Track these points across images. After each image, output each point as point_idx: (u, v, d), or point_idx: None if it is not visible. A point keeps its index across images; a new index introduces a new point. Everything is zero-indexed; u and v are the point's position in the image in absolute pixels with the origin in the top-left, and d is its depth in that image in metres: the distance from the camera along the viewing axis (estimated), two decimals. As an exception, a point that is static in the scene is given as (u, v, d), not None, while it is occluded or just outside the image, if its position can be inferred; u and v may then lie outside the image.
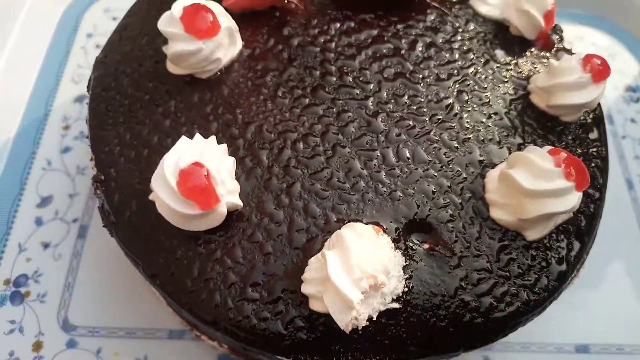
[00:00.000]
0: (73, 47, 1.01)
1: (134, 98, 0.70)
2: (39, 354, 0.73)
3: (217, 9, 0.69)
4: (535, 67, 0.78)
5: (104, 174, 0.65)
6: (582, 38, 1.20)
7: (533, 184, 0.59)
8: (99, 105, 0.70)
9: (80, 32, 1.03)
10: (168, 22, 0.67)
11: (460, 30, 0.80)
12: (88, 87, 0.74)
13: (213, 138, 0.62)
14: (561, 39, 0.84)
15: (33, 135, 0.90)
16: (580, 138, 0.74)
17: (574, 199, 0.60)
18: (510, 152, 0.70)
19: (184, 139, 0.60)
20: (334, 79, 0.72)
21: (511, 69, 0.77)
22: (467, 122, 0.71)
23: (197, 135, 0.61)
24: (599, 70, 0.70)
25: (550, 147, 0.64)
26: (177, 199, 0.56)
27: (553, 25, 0.82)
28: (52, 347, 0.74)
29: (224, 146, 0.62)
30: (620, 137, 1.06)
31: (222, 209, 0.58)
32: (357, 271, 0.53)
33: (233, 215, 0.61)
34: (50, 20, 1.03)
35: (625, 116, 1.09)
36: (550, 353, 0.80)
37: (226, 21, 0.69)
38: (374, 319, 0.56)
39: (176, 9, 0.67)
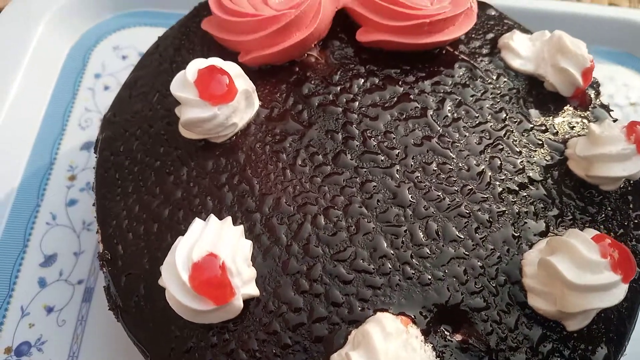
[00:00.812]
0: (80, 88, 0.97)
1: (144, 164, 0.66)
2: None
3: (234, 70, 0.64)
4: (573, 129, 0.73)
5: (110, 252, 0.60)
6: (612, 78, 1.15)
7: (578, 277, 0.54)
8: (107, 171, 0.66)
9: (88, 72, 0.99)
10: (181, 86, 0.62)
11: (491, 86, 0.75)
12: (95, 148, 0.70)
13: (229, 220, 0.57)
14: (598, 94, 0.79)
15: (37, 186, 0.86)
16: (620, 210, 0.68)
17: (621, 293, 0.55)
18: (547, 227, 0.64)
19: (197, 222, 0.55)
20: (357, 143, 0.67)
21: (546, 131, 0.72)
22: (501, 192, 0.66)
23: (212, 218, 0.56)
24: (645, 138, 0.65)
25: (594, 232, 0.58)
26: (189, 294, 0.51)
27: (591, 81, 0.77)
28: (54, 422, 0.70)
29: (241, 229, 0.57)
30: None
31: (238, 303, 0.53)
32: (385, 376, 0.48)
33: (249, 303, 0.56)
34: (56, 60, 0.98)
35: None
36: None
37: (243, 83, 0.65)
38: None
39: (190, 72, 0.62)
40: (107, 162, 0.67)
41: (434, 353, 0.55)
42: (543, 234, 0.64)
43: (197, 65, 0.63)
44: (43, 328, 0.75)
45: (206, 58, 0.65)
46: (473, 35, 0.81)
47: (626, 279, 0.55)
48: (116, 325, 0.73)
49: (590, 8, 1.19)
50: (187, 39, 0.77)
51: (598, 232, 0.59)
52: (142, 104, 0.71)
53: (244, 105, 0.66)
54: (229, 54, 0.72)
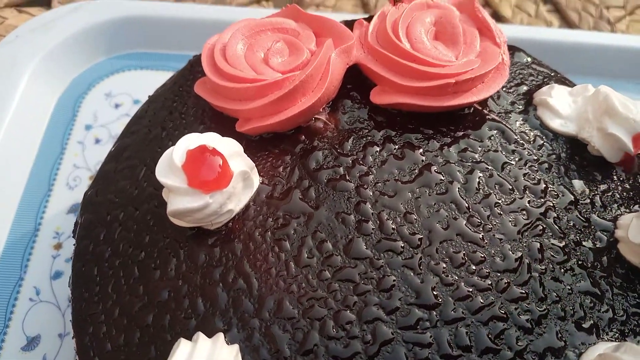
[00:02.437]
0: (69, 142, 0.89)
1: (127, 257, 0.57)
2: None
3: (229, 148, 0.56)
4: (623, 204, 0.63)
5: (86, 366, 0.52)
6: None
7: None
8: (85, 265, 0.57)
9: (78, 123, 0.91)
10: (168, 171, 0.54)
11: (526, 152, 0.65)
12: (74, 232, 0.61)
13: (221, 338, 0.48)
14: (649, 156, 0.69)
15: (21, 257, 0.79)
16: (685, 303, 0.58)
17: None
18: (597, 328, 0.55)
19: (182, 347, 0.46)
20: (373, 228, 0.58)
21: (593, 206, 0.62)
22: (542, 287, 0.56)
23: (201, 338, 0.47)
24: None
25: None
26: None
27: (642, 145, 0.66)
28: None
29: (236, 348, 0.48)
30: None
31: None
32: None
33: None
34: (43, 111, 0.91)
35: None
36: None
37: (240, 163, 0.56)
38: None
39: (178, 154, 0.53)
40: (85, 253, 0.58)
41: None
42: (592, 336, 0.54)
43: (186, 144, 0.54)
44: None
45: (200, 124, 0.58)
46: (504, 89, 0.71)
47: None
48: None
49: (628, 39, 1.09)
50: (179, 101, 0.68)
51: (666, 352, 0.49)
52: (128, 181, 0.62)
53: (240, 188, 0.57)
54: (226, 120, 0.64)
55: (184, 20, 0.95)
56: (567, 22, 1.21)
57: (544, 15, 1.21)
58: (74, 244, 0.60)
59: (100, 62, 0.97)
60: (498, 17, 1.19)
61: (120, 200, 0.61)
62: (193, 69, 0.71)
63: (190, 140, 0.55)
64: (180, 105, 0.68)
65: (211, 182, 0.53)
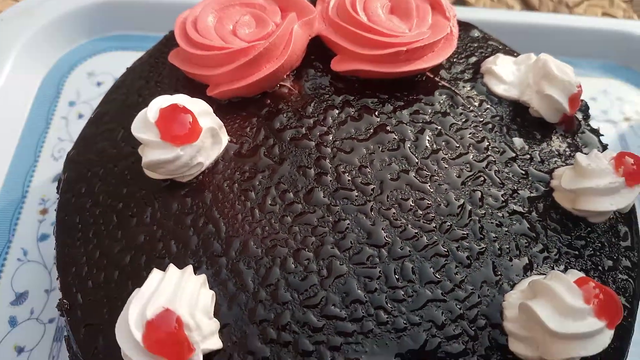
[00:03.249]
0: (54, 117, 0.94)
1: (106, 207, 0.63)
2: None
3: (199, 107, 0.62)
4: (560, 157, 0.70)
5: (69, 300, 0.58)
6: (606, 92, 1.12)
7: (560, 325, 0.51)
8: (68, 215, 0.63)
9: (62, 100, 0.97)
10: (142, 127, 0.59)
11: (472, 114, 0.72)
12: (58, 188, 0.67)
13: (189, 269, 0.54)
14: (587, 118, 0.76)
15: (9, 221, 0.84)
16: (610, 242, 0.65)
17: (606, 339, 0.52)
18: (531, 264, 0.61)
19: (155, 274, 0.52)
20: (330, 179, 0.64)
21: (531, 160, 0.69)
22: (481, 228, 0.63)
23: (171, 268, 0.53)
24: (632, 171, 0.61)
25: (578, 275, 0.55)
26: (143, 354, 0.48)
27: (579, 106, 0.73)
28: None
29: (203, 278, 0.54)
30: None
31: (198, 358, 0.50)
32: None
33: (212, 356, 0.53)
34: (29, 89, 0.96)
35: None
36: None
37: (209, 121, 0.62)
38: None
39: (151, 112, 0.59)
40: (68, 205, 0.64)
41: (409, 408, 0.52)
42: (526, 272, 0.61)
43: (158, 104, 0.60)
44: (13, 372, 0.73)
45: (174, 91, 0.63)
46: (455, 60, 0.78)
47: (611, 324, 0.52)
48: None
49: (582, 20, 1.17)
50: (155, 71, 0.74)
51: (582, 275, 0.55)
52: (107, 142, 0.68)
53: (210, 144, 0.63)
54: (198, 86, 0.70)
55: (160, 3, 1.01)
56: (528, 6, 1.28)
57: (506, 1, 1.28)
58: (57, 198, 0.65)
59: (82, 44, 1.03)
60: (462, 2, 1.27)
61: (100, 159, 0.67)
62: (168, 43, 0.77)
63: (163, 100, 0.61)
64: (155, 75, 0.74)
65: (182, 136, 0.59)
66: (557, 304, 0.52)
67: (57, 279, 0.61)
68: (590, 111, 1.05)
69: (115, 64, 1.00)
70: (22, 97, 0.95)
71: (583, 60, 1.14)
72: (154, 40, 0.84)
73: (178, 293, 0.51)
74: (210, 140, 0.63)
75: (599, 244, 0.65)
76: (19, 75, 0.95)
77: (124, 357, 0.50)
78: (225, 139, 0.66)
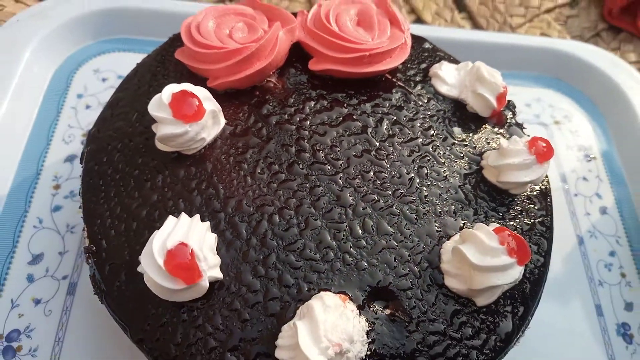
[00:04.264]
0: (64, 107, 1.07)
1: (125, 173, 0.77)
2: (29, 409, 0.78)
3: (202, 93, 0.77)
4: (489, 144, 0.88)
5: (95, 246, 0.71)
6: (539, 100, 1.31)
7: (480, 260, 0.68)
8: (92, 179, 0.77)
9: (71, 93, 1.10)
10: (157, 107, 0.74)
11: (422, 108, 0.89)
12: (81, 159, 0.80)
13: (197, 217, 0.69)
14: (514, 115, 0.94)
15: (25, 194, 0.96)
16: (527, 210, 0.82)
17: (517, 273, 0.69)
18: (464, 224, 0.78)
19: (171, 218, 0.67)
20: (308, 155, 0.80)
21: (467, 145, 0.86)
22: (426, 195, 0.79)
23: (183, 215, 0.68)
24: (543, 152, 0.79)
25: (497, 225, 0.72)
26: (163, 275, 0.62)
27: (505, 104, 0.91)
28: (41, 402, 0.79)
29: (207, 224, 0.69)
30: (572, 194, 1.16)
31: (205, 283, 0.65)
32: (324, 340, 0.60)
33: (214, 285, 0.68)
34: (41, 82, 1.09)
35: (578, 175, 1.19)
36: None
37: (210, 105, 0.77)
38: (339, 382, 0.63)
39: (165, 95, 0.74)
40: (92, 171, 0.78)
41: (367, 323, 0.67)
42: (460, 229, 0.77)
43: (171, 89, 0.75)
44: (31, 318, 0.85)
45: (179, 83, 0.77)
46: (409, 65, 0.95)
47: (521, 261, 0.69)
48: (97, 314, 0.84)
49: (521, 38, 1.36)
50: (162, 66, 0.89)
51: (499, 225, 0.72)
52: (123, 122, 0.82)
53: (211, 123, 0.78)
54: (199, 80, 0.84)
55: (160, 11, 1.16)
56: (477, 27, 1.48)
57: (458, 21, 1.48)
58: (82, 166, 0.79)
59: (89, 44, 1.16)
60: (421, 22, 1.46)
61: (118, 135, 0.81)
62: (173, 44, 0.92)
63: (174, 87, 0.76)
64: (162, 70, 0.89)
65: (190, 115, 0.74)
66: (479, 245, 0.69)
67: (83, 230, 0.74)
68: (525, 115, 1.25)
69: (118, 63, 1.15)
70: (35, 89, 1.07)
71: (522, 72, 1.34)
72: (153, 44, 0.98)
73: (190, 233, 0.65)
74: (211, 120, 0.78)
75: (519, 210, 0.82)
76: (33, 70, 1.08)
77: (147, 281, 0.64)
78: (222, 121, 0.81)
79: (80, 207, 0.76)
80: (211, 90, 0.81)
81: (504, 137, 0.89)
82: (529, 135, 0.91)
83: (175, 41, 0.92)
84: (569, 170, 1.19)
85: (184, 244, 0.63)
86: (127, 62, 1.09)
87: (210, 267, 0.66)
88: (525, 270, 0.76)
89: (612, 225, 1.12)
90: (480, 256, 0.68)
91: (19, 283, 0.88)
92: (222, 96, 0.84)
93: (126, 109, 0.84)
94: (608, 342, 0.98)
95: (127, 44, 1.18)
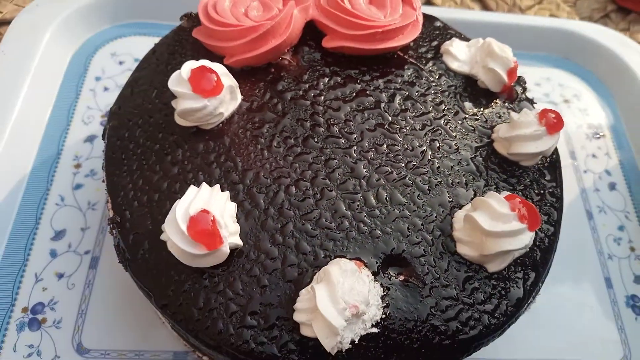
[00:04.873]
0: (82, 89, 1.10)
1: (146, 147, 0.79)
2: (56, 376, 0.82)
3: (220, 69, 0.79)
4: (500, 118, 0.89)
5: (119, 216, 0.74)
6: (549, 79, 1.32)
7: (492, 225, 0.70)
8: (115, 153, 0.79)
9: (89, 75, 1.12)
10: (177, 82, 0.76)
11: (433, 84, 0.91)
12: (103, 135, 0.83)
13: (217, 187, 0.71)
14: (524, 90, 0.95)
15: (47, 173, 0.99)
16: (537, 181, 0.84)
17: (527, 238, 0.71)
18: (475, 194, 0.80)
19: (192, 188, 0.69)
20: (322, 129, 0.82)
21: (478, 119, 0.88)
22: (438, 167, 0.81)
23: (204, 185, 0.70)
24: (553, 123, 0.81)
25: (508, 193, 0.74)
26: (186, 241, 0.65)
27: (516, 79, 0.93)
28: (68, 369, 0.82)
29: (227, 194, 0.71)
30: (582, 171, 1.18)
31: (225, 249, 0.67)
32: (342, 302, 0.62)
33: (234, 252, 0.70)
34: (60, 65, 1.12)
35: (587, 152, 1.21)
36: (514, 370, 0.90)
37: (228, 80, 0.79)
38: (356, 342, 0.65)
39: (184, 71, 0.76)
40: (114, 146, 0.80)
41: (382, 289, 0.70)
42: (471, 199, 0.79)
43: (190, 65, 0.77)
44: (55, 291, 0.88)
45: (197, 60, 0.80)
46: (420, 43, 0.97)
47: (531, 227, 0.71)
48: (118, 287, 0.87)
49: (531, 19, 1.37)
50: (180, 45, 0.91)
51: (511, 193, 0.74)
52: (143, 99, 0.85)
53: (229, 98, 0.80)
54: (216, 58, 0.86)
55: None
56: (486, 9, 1.49)
57: (467, 3, 1.49)
58: (104, 142, 0.82)
59: (106, 29, 1.19)
60: (430, 4, 1.47)
61: (138, 111, 0.83)
62: (189, 24, 0.94)
63: (193, 63, 0.78)
64: (180, 49, 0.91)
65: (209, 90, 0.76)
66: (491, 212, 0.71)
67: (107, 202, 0.77)
68: (535, 94, 1.26)
69: (135, 46, 1.17)
70: (55, 72, 1.10)
71: (531, 52, 1.35)
72: (167, 27, 1.00)
73: (211, 201, 0.68)
74: (229, 96, 0.80)
75: (529, 181, 0.84)
76: (52, 53, 1.10)
77: (170, 248, 0.67)
78: (239, 97, 0.83)
79: (103, 181, 0.79)
80: (228, 68, 0.83)
81: (515, 111, 0.90)
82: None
83: (192, 21, 0.94)
84: (579, 147, 1.20)
85: (206, 211, 0.66)
86: (143, 45, 1.12)
87: (231, 234, 0.68)
88: (535, 239, 0.77)
89: (622, 200, 1.13)
90: (492, 222, 0.70)
91: (42, 258, 0.91)
92: (238, 73, 0.86)
93: (145, 87, 0.86)
94: (617, 314, 0.99)
95: (144, 27, 1.20)
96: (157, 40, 0.96)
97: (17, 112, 1.01)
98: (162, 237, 0.70)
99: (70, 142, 1.03)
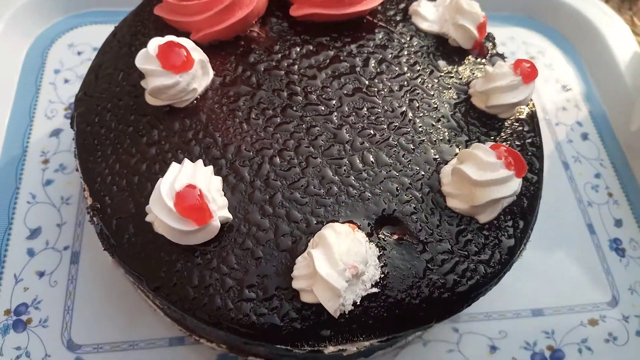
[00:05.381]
0: (42, 84, 1.05)
1: (119, 131, 0.76)
2: (48, 376, 0.78)
3: (188, 44, 0.76)
4: (474, 73, 0.89)
5: (99, 203, 0.71)
6: (513, 38, 1.34)
7: (480, 175, 0.70)
8: (86, 139, 0.76)
9: (47, 68, 1.08)
10: (145, 60, 0.73)
11: (406, 45, 0.90)
12: (72, 124, 0.79)
13: (200, 161, 0.69)
14: (494, 46, 0.96)
15: (14, 172, 0.94)
16: (517, 131, 0.85)
17: (515, 185, 0.71)
18: (459, 149, 0.80)
19: (174, 165, 0.67)
20: (300, 98, 0.81)
21: (453, 77, 0.88)
22: (420, 126, 0.81)
23: (186, 161, 0.68)
24: (528, 72, 0.81)
25: (492, 143, 0.74)
26: (175, 218, 0.62)
27: (486, 34, 0.93)
28: (59, 367, 0.79)
29: (210, 168, 0.69)
30: (554, 124, 1.20)
31: (216, 223, 0.65)
32: (341, 264, 0.62)
33: (224, 227, 0.68)
34: (15, 61, 1.06)
35: (557, 106, 1.23)
36: (510, 319, 0.92)
37: (198, 55, 0.77)
38: (358, 303, 0.65)
39: (151, 47, 0.73)
40: (84, 132, 0.77)
41: (377, 249, 0.69)
42: (456, 155, 0.79)
43: (157, 41, 0.74)
44: (37, 290, 0.84)
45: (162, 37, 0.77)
46: (388, 6, 0.96)
47: (518, 174, 0.71)
48: (103, 279, 0.84)
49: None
50: (142, 25, 0.87)
51: (495, 143, 0.74)
52: (109, 83, 0.81)
53: (200, 73, 0.78)
54: (181, 34, 0.83)
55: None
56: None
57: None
58: (74, 130, 0.78)
59: (60, 20, 1.14)
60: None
61: (106, 95, 0.80)
62: (150, 3, 0.90)
63: (159, 39, 0.75)
64: (142, 28, 0.87)
65: (179, 65, 0.73)
66: (478, 162, 0.71)
67: (84, 190, 0.74)
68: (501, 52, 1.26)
69: (92, 36, 1.13)
70: (10, 69, 1.05)
71: (493, 13, 1.36)
72: (124, 14, 0.97)
73: (195, 175, 0.65)
74: (201, 71, 0.78)
75: (509, 133, 0.84)
76: (5, 49, 1.05)
77: (158, 227, 0.65)
78: (211, 72, 0.80)
79: (77, 170, 0.75)
80: (196, 43, 0.80)
81: (487, 65, 0.91)
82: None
83: (151, 2, 0.90)
84: (549, 102, 1.22)
85: (192, 186, 0.63)
86: (100, 34, 1.05)
87: (220, 208, 0.66)
88: (521, 189, 0.78)
89: (595, 149, 1.16)
90: (480, 172, 0.70)
91: (20, 258, 0.87)
92: (207, 48, 0.83)
93: (110, 71, 0.83)
94: (603, 257, 1.02)
95: (99, 16, 1.16)
96: (113, 27, 0.92)
97: (-26, 112, 0.96)
98: (147, 218, 0.67)
99: (35, 138, 0.99)
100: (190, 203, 0.62)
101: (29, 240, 0.88)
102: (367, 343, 0.68)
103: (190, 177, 0.65)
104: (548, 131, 1.17)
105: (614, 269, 1.01)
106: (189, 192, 0.63)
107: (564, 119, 1.20)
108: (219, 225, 0.66)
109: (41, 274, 0.86)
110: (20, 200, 0.92)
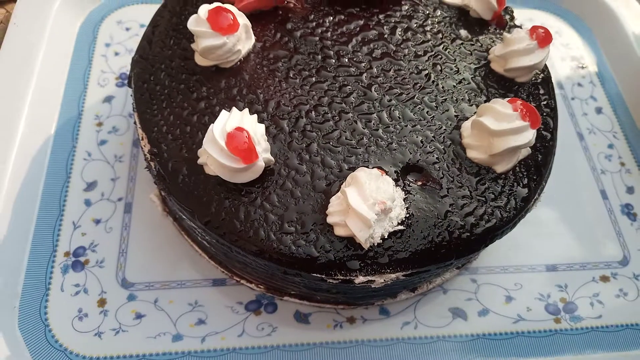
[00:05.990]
0: (94, 56, 1.15)
1: (171, 88, 0.85)
2: (104, 308, 0.87)
3: (234, 10, 0.85)
4: (493, 42, 0.96)
5: (157, 149, 0.79)
6: (532, 19, 1.40)
7: (498, 125, 0.77)
8: (143, 95, 0.85)
9: (99, 43, 1.17)
10: (196, 23, 0.82)
11: (430, 16, 0.98)
12: (129, 83, 0.88)
13: (246, 110, 0.77)
14: (512, 18, 1.02)
15: (71, 133, 1.04)
16: (533, 94, 0.92)
17: (530, 135, 0.78)
18: (478, 107, 0.87)
19: (224, 112, 0.75)
20: (333, 60, 0.89)
21: (473, 44, 0.95)
22: (442, 87, 0.88)
23: (234, 109, 0.76)
24: (543, 37, 0.88)
25: (509, 98, 0.81)
26: (226, 156, 0.71)
27: (505, 6, 1.00)
28: (115, 301, 0.88)
29: (255, 116, 0.78)
30: (570, 99, 1.26)
31: (261, 163, 0.73)
32: (371, 199, 0.69)
33: (267, 170, 0.77)
34: (70, 35, 1.16)
35: (573, 82, 1.29)
36: (525, 272, 0.98)
37: (242, 19, 0.85)
38: (385, 238, 0.72)
39: (202, 12, 0.82)
40: (141, 89, 0.86)
41: (403, 192, 0.77)
42: (474, 113, 0.86)
43: (206, 7, 0.83)
44: (94, 235, 0.93)
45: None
46: (413, -19, 1.04)
47: (533, 125, 0.78)
48: (154, 227, 0.93)
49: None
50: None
51: (512, 97, 0.81)
52: (162, 48, 0.90)
53: (244, 37, 0.86)
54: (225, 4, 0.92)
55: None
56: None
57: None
58: (132, 88, 0.87)
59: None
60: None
61: (159, 58, 0.89)
62: (196, -22, 0.99)
63: (209, 5, 0.84)
64: (191, 1, 0.96)
65: (226, 27, 0.82)
66: (496, 114, 0.78)
67: (142, 139, 0.82)
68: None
69: (138, 13, 1.22)
70: (65, 42, 1.15)
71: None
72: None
73: (244, 120, 0.74)
74: (245, 34, 0.86)
75: (526, 95, 0.91)
76: (60, 24, 1.15)
77: (210, 165, 0.73)
78: (253, 36, 0.89)
79: (135, 123, 0.84)
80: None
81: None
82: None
83: (198, -24, 0.99)
84: (565, 78, 1.28)
85: (241, 129, 0.72)
86: (146, 12, 1.17)
87: (264, 150, 0.75)
88: (535, 144, 0.85)
89: (608, 122, 1.22)
90: (497, 123, 0.77)
91: (77, 207, 0.96)
92: (248, 17, 0.91)
93: (161, 37, 0.92)
94: (615, 221, 1.08)
95: (145, -5, 1.25)
96: (158, 7, 1.01)
97: (35, 80, 1.06)
98: (199, 161, 0.76)
99: (89, 103, 1.08)
100: (239, 142, 0.71)
101: (86, 192, 0.98)
102: (393, 275, 0.76)
103: (238, 121, 0.73)
104: (564, 104, 1.23)
105: (625, 232, 1.07)
106: (238, 133, 0.71)
107: (579, 93, 1.26)
108: (263, 165, 0.74)
109: (98, 222, 0.95)
110: (77, 157, 1.01)
